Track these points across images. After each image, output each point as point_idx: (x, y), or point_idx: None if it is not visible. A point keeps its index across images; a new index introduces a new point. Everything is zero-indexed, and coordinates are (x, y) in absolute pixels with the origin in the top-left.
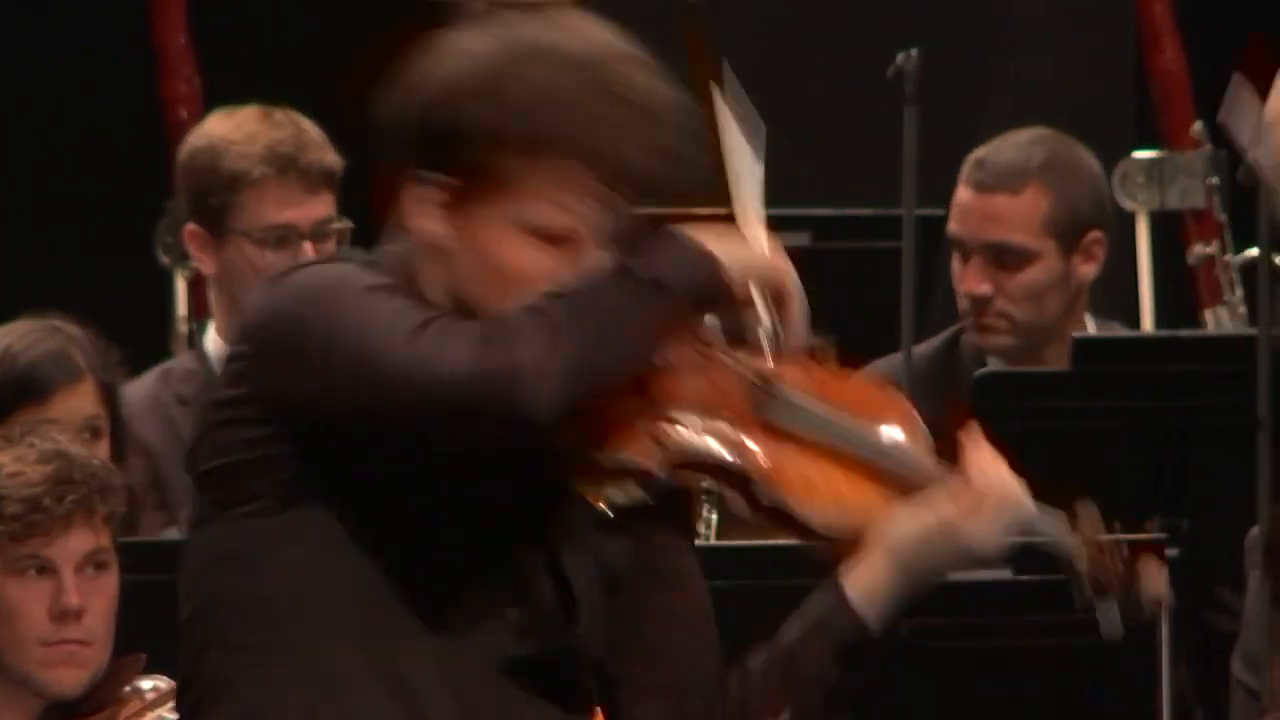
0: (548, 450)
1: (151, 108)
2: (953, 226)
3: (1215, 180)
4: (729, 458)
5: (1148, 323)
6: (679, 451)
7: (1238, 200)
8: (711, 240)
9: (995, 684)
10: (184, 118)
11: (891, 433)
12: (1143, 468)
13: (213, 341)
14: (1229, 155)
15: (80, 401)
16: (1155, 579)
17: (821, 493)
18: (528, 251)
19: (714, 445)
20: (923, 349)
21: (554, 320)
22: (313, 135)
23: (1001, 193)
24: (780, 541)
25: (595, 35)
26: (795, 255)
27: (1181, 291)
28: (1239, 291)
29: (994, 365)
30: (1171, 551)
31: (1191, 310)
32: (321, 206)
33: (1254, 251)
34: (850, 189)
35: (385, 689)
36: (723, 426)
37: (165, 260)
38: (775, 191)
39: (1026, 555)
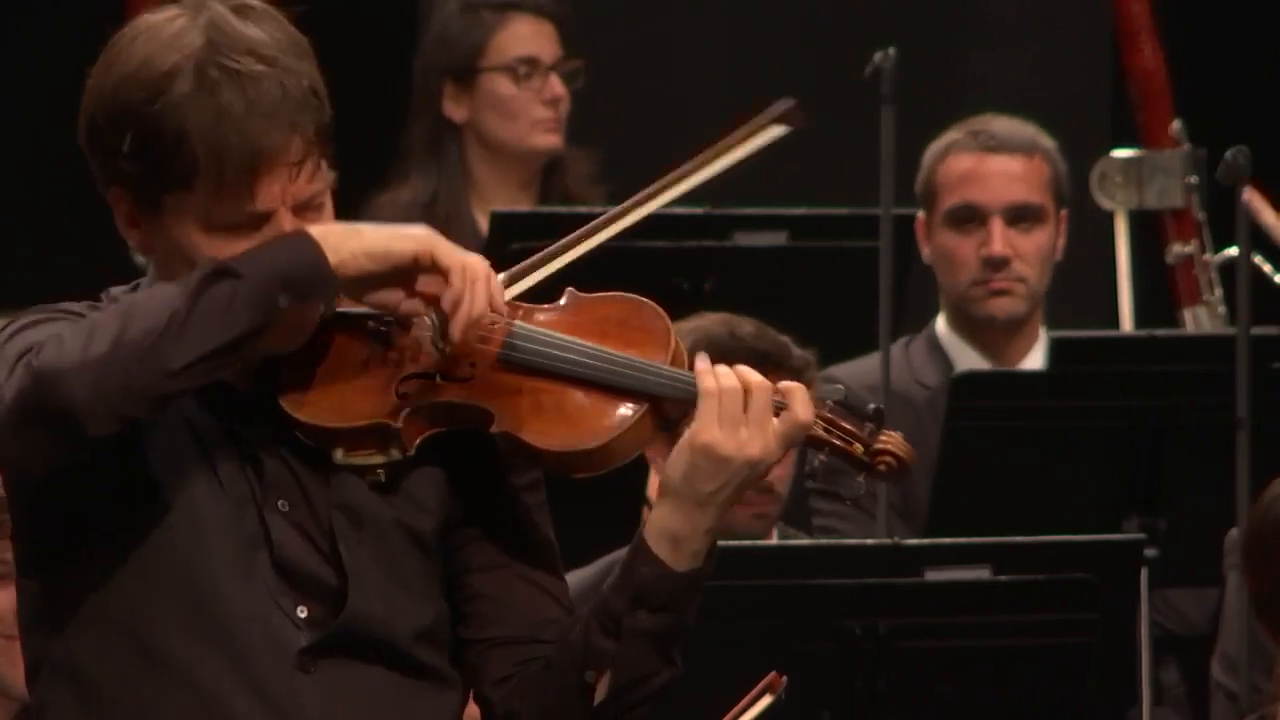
0: (299, 433)
1: None
2: (963, 195)
3: (1194, 179)
4: (461, 399)
5: (1126, 322)
6: (418, 402)
7: (1217, 199)
8: (365, 229)
9: (973, 683)
10: None
11: (634, 352)
12: (1120, 468)
13: None
14: (1207, 153)
15: None
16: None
17: (551, 417)
18: (219, 246)
19: (453, 388)
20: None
21: (93, 321)
22: None
23: (1018, 154)
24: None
25: (190, 24)
26: (772, 255)
27: (1160, 291)
28: (1218, 291)
29: (971, 365)
30: (1149, 552)
31: (1170, 310)
32: None
33: (1233, 251)
34: (827, 188)
35: (189, 704)
36: (467, 369)
37: (140, 260)
38: (752, 191)
39: (1005, 554)
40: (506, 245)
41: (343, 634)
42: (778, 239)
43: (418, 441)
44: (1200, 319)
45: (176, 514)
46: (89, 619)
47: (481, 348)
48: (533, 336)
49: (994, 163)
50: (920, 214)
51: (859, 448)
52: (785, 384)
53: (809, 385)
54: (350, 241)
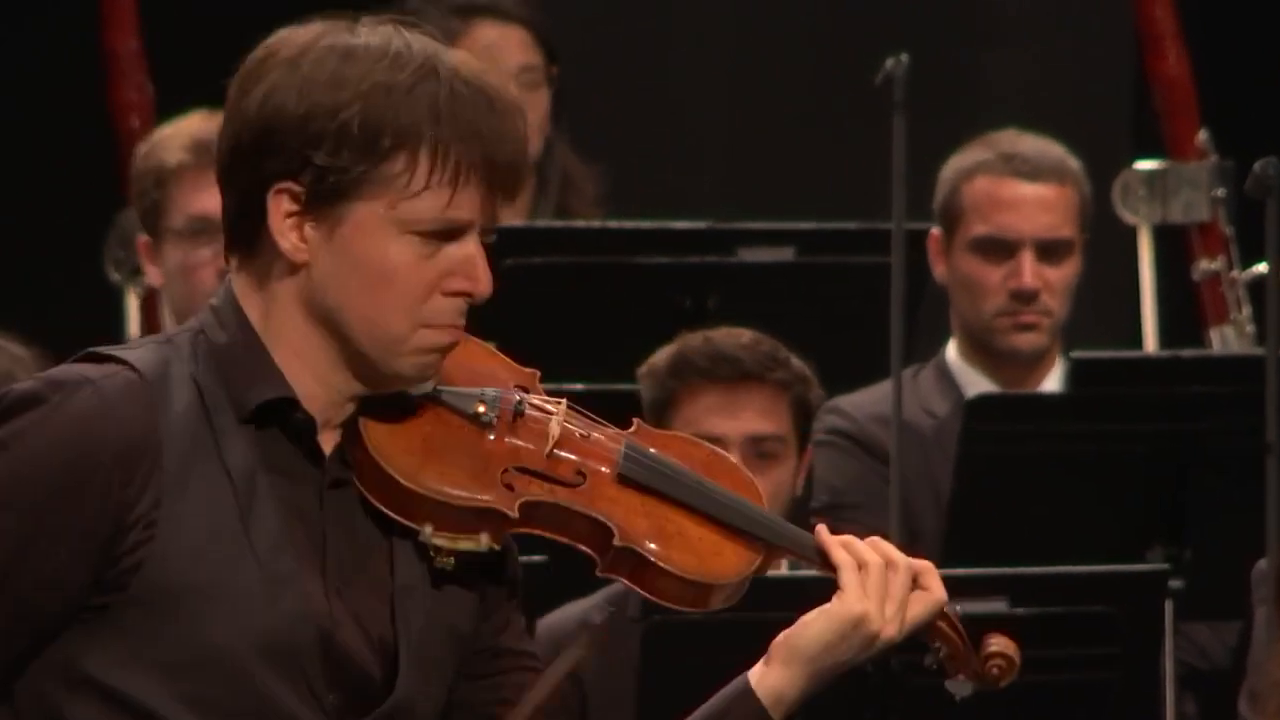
0: (386, 497)
1: (101, 116)
2: (994, 224)
3: (1221, 192)
4: (580, 507)
5: (1150, 342)
6: (530, 498)
7: (1245, 213)
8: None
9: None
10: (135, 126)
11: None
12: (1143, 495)
13: None
14: (1235, 165)
15: None
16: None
17: (674, 543)
18: (405, 250)
19: (565, 491)
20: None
21: None
22: None
23: (1051, 182)
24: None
25: (421, 38)
26: (778, 271)
27: (1185, 309)
28: (1246, 309)
29: (984, 387)
30: (1174, 584)
31: (1196, 329)
32: None
33: (1262, 267)
34: (836, 201)
35: None
36: (575, 475)
37: (115, 277)
38: (757, 204)
39: (1022, 586)
40: (500, 261)
41: None
42: (784, 255)
43: (508, 536)
44: (1228, 339)
45: (207, 585)
46: (95, 693)
47: (595, 456)
48: (652, 456)
49: (1027, 191)
50: (935, 230)
51: (966, 648)
52: (918, 561)
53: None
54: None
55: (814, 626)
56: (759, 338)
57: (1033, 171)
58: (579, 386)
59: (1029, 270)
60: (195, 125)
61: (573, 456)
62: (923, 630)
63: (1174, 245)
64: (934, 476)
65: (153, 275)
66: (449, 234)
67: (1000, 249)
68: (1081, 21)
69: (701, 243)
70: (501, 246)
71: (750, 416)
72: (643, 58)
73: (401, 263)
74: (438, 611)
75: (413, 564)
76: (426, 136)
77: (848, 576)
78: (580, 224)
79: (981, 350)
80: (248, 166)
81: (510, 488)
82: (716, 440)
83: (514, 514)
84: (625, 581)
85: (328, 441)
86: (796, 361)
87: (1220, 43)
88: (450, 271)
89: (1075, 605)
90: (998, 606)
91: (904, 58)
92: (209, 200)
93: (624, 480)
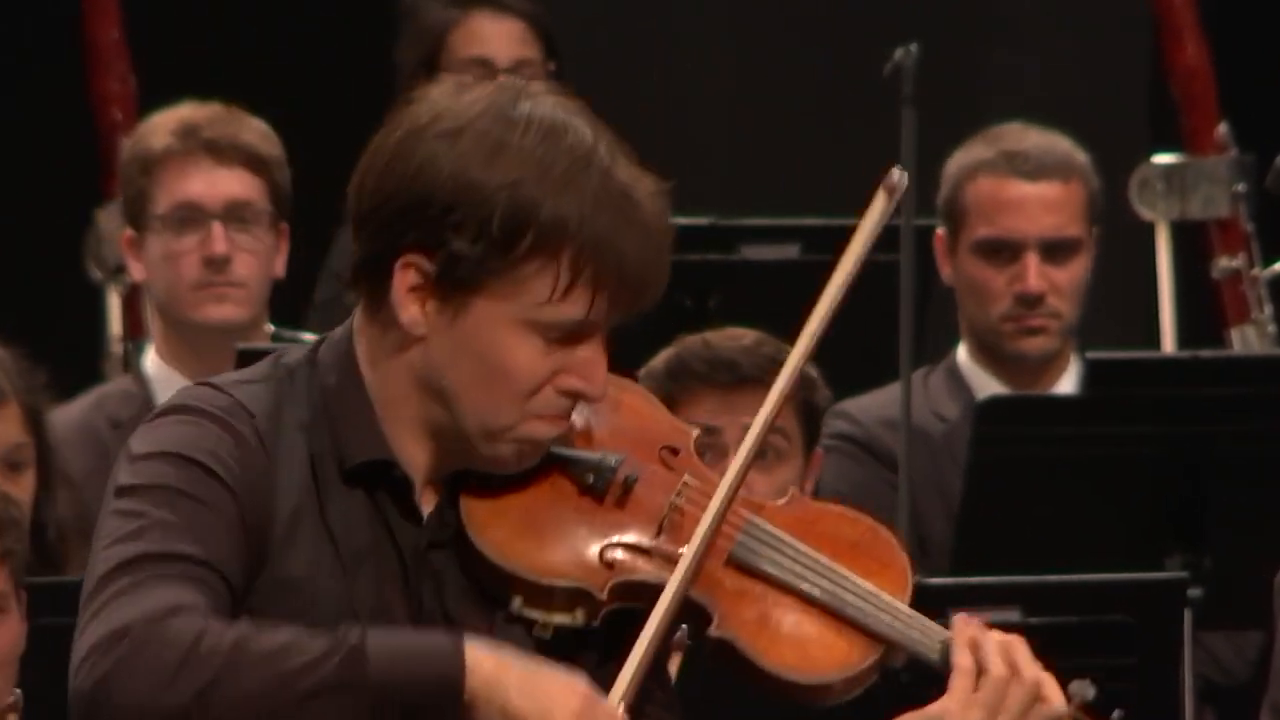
0: (477, 568)
1: (83, 108)
2: (996, 225)
3: (1241, 187)
4: (679, 588)
5: (1168, 342)
6: (627, 576)
7: (1266, 209)
8: (513, 689)
9: None
10: (118, 118)
11: (871, 582)
12: (1161, 500)
13: (152, 363)
14: (1256, 159)
15: (3, 428)
16: None
17: (778, 636)
18: (527, 349)
19: (664, 573)
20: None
21: (197, 645)
22: (239, 116)
23: (1055, 180)
24: None
25: (583, 122)
26: (782, 269)
27: (1205, 308)
28: (1267, 308)
29: (996, 390)
30: (1193, 592)
31: (1216, 329)
32: (234, 184)
33: None
34: (842, 196)
35: None
36: (679, 553)
37: (97, 275)
38: (761, 200)
39: (1036, 595)
40: None
41: None
42: (789, 252)
43: (604, 614)
44: (1248, 339)
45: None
46: None
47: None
48: (771, 539)
49: (1029, 191)
50: (940, 230)
51: None
52: (1044, 674)
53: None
54: (496, 696)
55: None
56: (761, 339)
57: (1035, 170)
58: None
59: (1034, 273)
60: (183, 112)
61: (686, 529)
62: None
63: (1193, 242)
64: (944, 482)
65: (136, 271)
66: (574, 338)
67: (1004, 251)
68: (1097, 11)
69: (703, 240)
70: None
71: (750, 416)
72: (645, 49)
73: (522, 360)
74: None
75: (513, 631)
76: (568, 246)
77: (960, 682)
78: None
79: (990, 353)
80: (385, 226)
81: (610, 566)
82: (715, 430)
83: (603, 596)
84: (731, 672)
85: (428, 501)
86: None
87: (1240, 33)
88: (567, 370)
89: (1090, 615)
90: (1010, 616)
91: (913, 48)
92: (195, 186)
93: (736, 563)
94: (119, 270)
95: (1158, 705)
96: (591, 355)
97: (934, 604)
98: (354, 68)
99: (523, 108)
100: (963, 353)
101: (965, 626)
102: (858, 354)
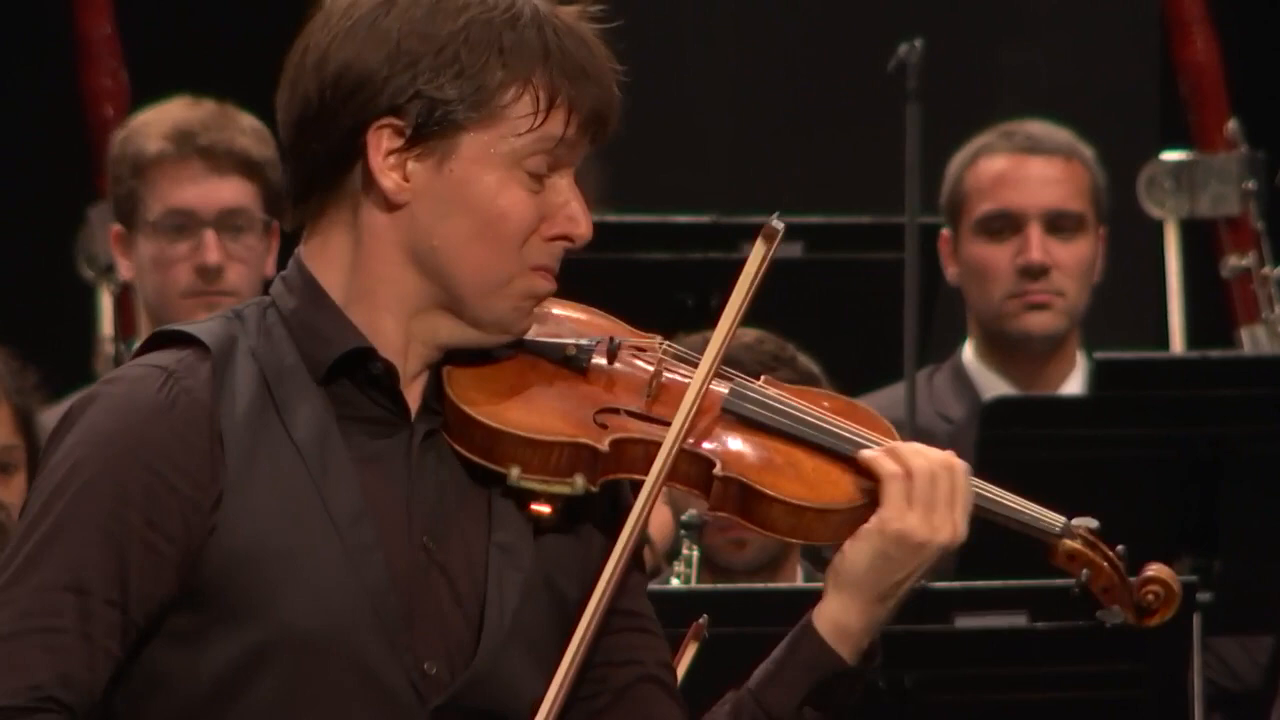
0: (470, 440)
1: (73, 103)
2: (997, 200)
3: (1252, 185)
4: (681, 437)
5: (1177, 342)
6: (624, 435)
7: (1276, 207)
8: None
9: None
10: (109, 114)
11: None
12: (1170, 503)
13: None
14: (1267, 156)
15: None
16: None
17: (782, 471)
18: (515, 189)
19: (660, 431)
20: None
21: None
22: (235, 120)
23: (1056, 156)
24: (770, 586)
25: None
26: (785, 268)
27: (1215, 308)
28: (1278, 308)
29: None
30: (1202, 596)
31: (1226, 328)
32: (228, 192)
33: None
34: (847, 194)
35: None
36: (671, 416)
37: (88, 273)
38: (763, 197)
39: (1043, 598)
40: None
41: (467, 697)
42: (792, 250)
43: (605, 478)
44: (1258, 339)
45: (287, 564)
46: (165, 684)
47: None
48: (760, 395)
49: (1031, 165)
50: (945, 231)
51: (1117, 575)
52: (949, 457)
53: None
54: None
55: (854, 548)
56: (762, 336)
57: (1036, 146)
58: None
59: (1037, 243)
60: (177, 112)
61: (673, 394)
62: (1045, 548)
63: (1202, 240)
64: None
65: (124, 268)
66: (554, 167)
67: (1007, 225)
68: (1105, 5)
69: (705, 238)
70: None
71: None
72: (647, 44)
73: (512, 201)
74: (538, 568)
75: (512, 518)
76: (538, 70)
77: (888, 488)
78: None
79: (997, 345)
80: (333, 116)
81: (604, 426)
82: None
83: (605, 448)
84: (737, 519)
85: (414, 394)
86: (804, 359)
87: (1250, 28)
88: (550, 215)
89: (1098, 619)
90: (1017, 620)
91: (918, 43)
92: (188, 193)
93: (729, 415)
94: (110, 269)
95: (1167, 711)
96: (572, 192)
97: (939, 607)
98: None
99: None
100: (968, 352)
101: (881, 445)
102: (861, 354)
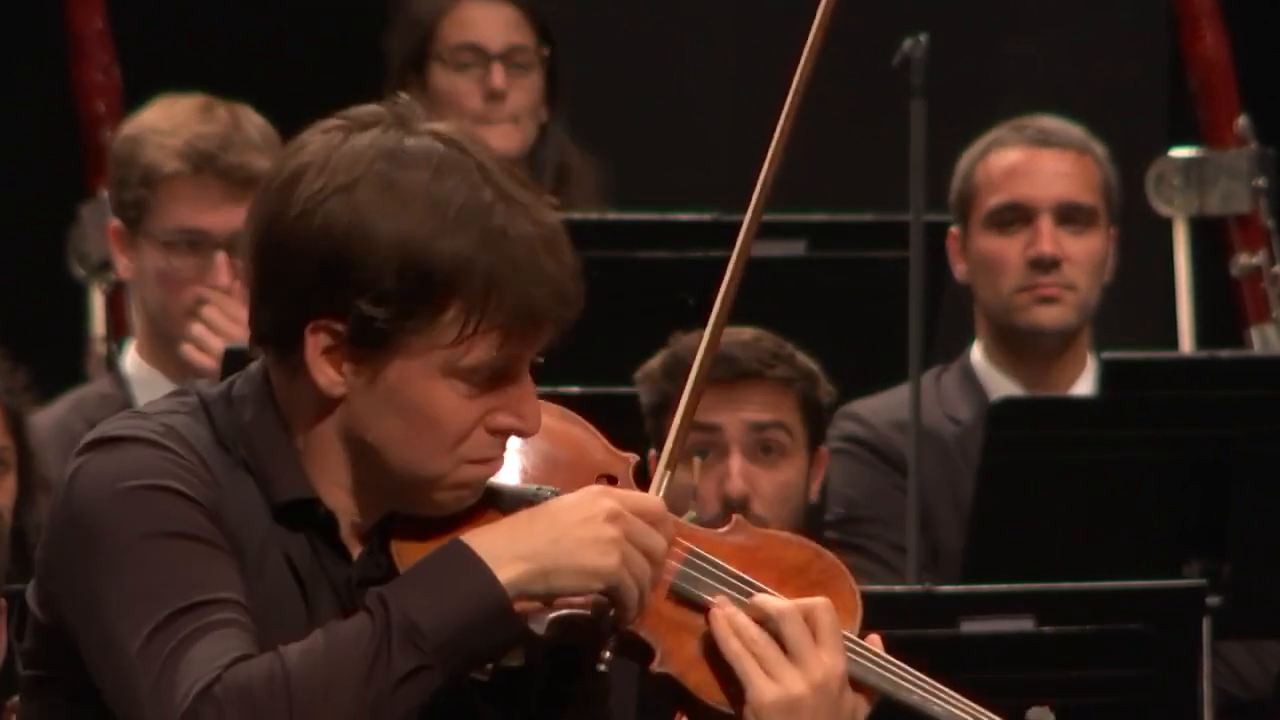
0: None
1: (65, 98)
2: (1008, 192)
3: (1262, 182)
4: (618, 624)
5: (1186, 342)
6: (564, 614)
7: None
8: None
9: None
10: (101, 110)
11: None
12: (1179, 505)
13: (132, 362)
14: (1277, 153)
15: None
16: None
17: (716, 671)
18: (451, 398)
19: (600, 611)
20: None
21: (287, 675)
22: (250, 135)
23: (1068, 150)
24: None
25: (471, 156)
26: (788, 266)
27: (1224, 307)
28: None
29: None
30: (1212, 600)
31: (1235, 328)
32: (243, 214)
33: None
34: (850, 191)
35: None
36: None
37: (80, 272)
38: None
39: (1050, 603)
40: None
41: None
42: (794, 248)
43: (543, 649)
44: (1269, 338)
45: None
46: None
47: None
48: (713, 569)
49: (1043, 158)
50: (954, 229)
51: None
52: (807, 602)
53: None
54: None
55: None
56: (760, 334)
57: (1048, 139)
58: (575, 390)
59: (1048, 235)
60: (194, 125)
61: None
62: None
63: (1211, 238)
64: (956, 487)
65: (122, 266)
66: (497, 379)
67: (1018, 217)
68: (1113, 1)
69: (706, 236)
70: None
71: (751, 410)
72: (647, 41)
73: (448, 410)
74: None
75: (448, 686)
76: (466, 291)
77: (738, 667)
78: (578, 216)
79: (1006, 343)
80: (292, 293)
81: (547, 602)
82: (714, 428)
83: (542, 631)
84: (672, 702)
85: (358, 542)
86: (802, 358)
87: (1261, 23)
88: (495, 409)
89: (1106, 623)
90: (1024, 625)
91: (923, 38)
92: (203, 216)
93: (677, 595)
94: (103, 267)
95: (1175, 716)
96: (519, 391)
97: (945, 612)
98: (341, 58)
99: (408, 146)
100: (977, 352)
101: (719, 613)
102: (866, 354)
